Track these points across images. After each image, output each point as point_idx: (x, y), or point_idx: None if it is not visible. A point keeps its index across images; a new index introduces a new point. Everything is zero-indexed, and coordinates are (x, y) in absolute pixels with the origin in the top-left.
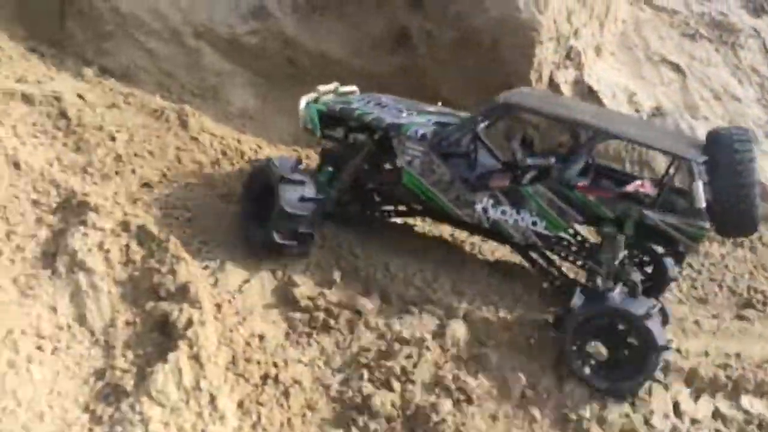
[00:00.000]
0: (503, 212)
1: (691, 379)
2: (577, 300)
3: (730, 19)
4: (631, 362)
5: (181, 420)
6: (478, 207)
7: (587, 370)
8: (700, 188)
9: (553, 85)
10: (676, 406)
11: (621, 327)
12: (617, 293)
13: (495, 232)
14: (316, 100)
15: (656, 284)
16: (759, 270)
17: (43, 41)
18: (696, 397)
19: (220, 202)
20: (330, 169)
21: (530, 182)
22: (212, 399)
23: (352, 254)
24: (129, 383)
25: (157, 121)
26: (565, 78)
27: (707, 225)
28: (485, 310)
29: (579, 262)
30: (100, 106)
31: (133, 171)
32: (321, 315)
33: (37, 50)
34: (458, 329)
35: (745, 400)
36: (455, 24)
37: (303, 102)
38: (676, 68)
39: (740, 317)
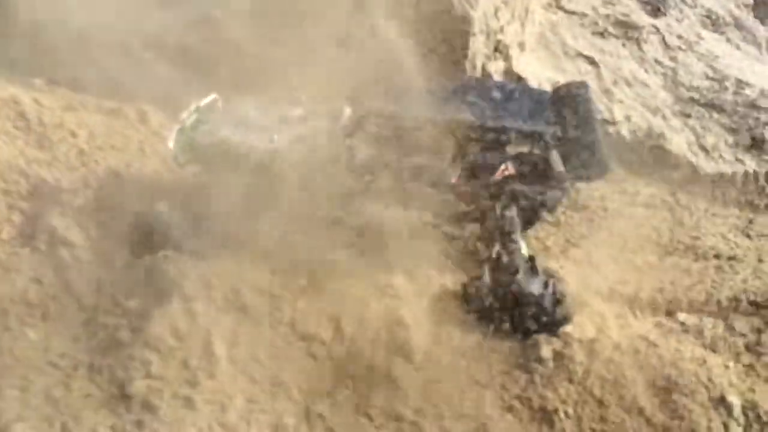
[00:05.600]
0: None
1: (632, 302)
2: (485, 278)
3: (632, 18)
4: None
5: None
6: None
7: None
8: (555, 156)
9: (485, 74)
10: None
11: (521, 303)
12: (521, 274)
13: None
14: (181, 130)
15: None
16: (677, 226)
17: None
18: (637, 317)
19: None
20: None
21: None
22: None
23: None
24: (125, 335)
25: (116, 119)
26: (495, 68)
27: (566, 185)
28: None
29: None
30: (57, 109)
31: (97, 162)
32: None
33: None
34: None
35: (681, 316)
36: None
37: (171, 142)
38: (591, 61)
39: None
